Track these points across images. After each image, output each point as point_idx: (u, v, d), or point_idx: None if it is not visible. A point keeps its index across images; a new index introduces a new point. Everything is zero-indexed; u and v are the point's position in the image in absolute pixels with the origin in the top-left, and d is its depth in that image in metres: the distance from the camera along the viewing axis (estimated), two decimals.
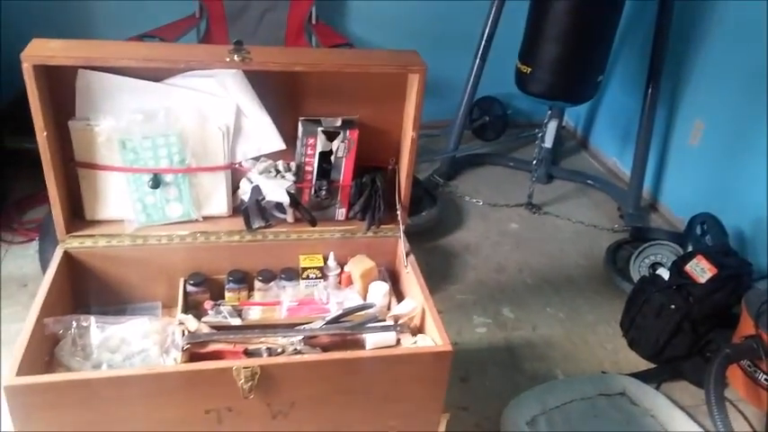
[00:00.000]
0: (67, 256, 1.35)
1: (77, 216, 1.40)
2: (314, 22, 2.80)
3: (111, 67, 1.27)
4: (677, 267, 2.00)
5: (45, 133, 1.24)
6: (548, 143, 2.85)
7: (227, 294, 1.43)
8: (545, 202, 2.87)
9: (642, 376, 1.91)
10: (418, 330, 1.32)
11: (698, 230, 2.35)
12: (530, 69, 2.46)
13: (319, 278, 1.46)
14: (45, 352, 1.21)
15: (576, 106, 2.94)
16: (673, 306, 1.94)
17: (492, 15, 2.72)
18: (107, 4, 2.77)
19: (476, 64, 2.82)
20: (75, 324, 1.23)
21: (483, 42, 2.77)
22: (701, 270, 1.93)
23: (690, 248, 2.27)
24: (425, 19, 3.07)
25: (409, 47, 1.45)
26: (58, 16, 2.74)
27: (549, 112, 2.73)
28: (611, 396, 1.82)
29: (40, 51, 1.19)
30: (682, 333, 1.94)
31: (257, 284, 1.44)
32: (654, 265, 2.31)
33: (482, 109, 3.32)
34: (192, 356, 1.20)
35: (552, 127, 2.81)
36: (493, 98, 3.30)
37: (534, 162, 2.76)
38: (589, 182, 3.07)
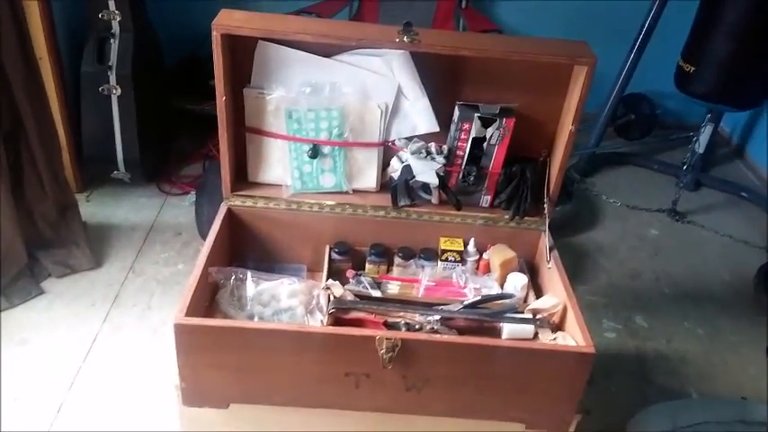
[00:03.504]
0: (230, 213, 1.46)
1: (241, 177, 1.50)
2: (464, 5, 2.78)
3: (286, 40, 1.34)
4: None
5: (224, 98, 1.33)
6: (701, 148, 2.66)
7: (367, 266, 1.48)
8: (691, 210, 2.69)
9: None
10: (557, 328, 1.30)
11: None
12: (693, 68, 2.30)
13: (457, 262, 1.48)
14: (206, 298, 1.32)
15: (741, 112, 2.71)
16: None
17: (655, 8, 2.57)
18: None
19: (630, 58, 2.69)
20: (233, 276, 1.33)
21: (641, 36, 2.63)
22: None
23: None
24: (577, 8, 2.95)
25: (559, 36, 1.41)
26: None
27: (709, 115, 2.54)
28: (750, 424, 1.68)
29: (228, 21, 1.27)
30: None
31: (397, 260, 1.48)
32: None
33: (628, 106, 3.15)
34: (336, 320, 1.26)
35: (708, 131, 2.62)
36: (642, 95, 3.12)
37: (684, 167, 2.58)
38: (743, 194, 2.83)
